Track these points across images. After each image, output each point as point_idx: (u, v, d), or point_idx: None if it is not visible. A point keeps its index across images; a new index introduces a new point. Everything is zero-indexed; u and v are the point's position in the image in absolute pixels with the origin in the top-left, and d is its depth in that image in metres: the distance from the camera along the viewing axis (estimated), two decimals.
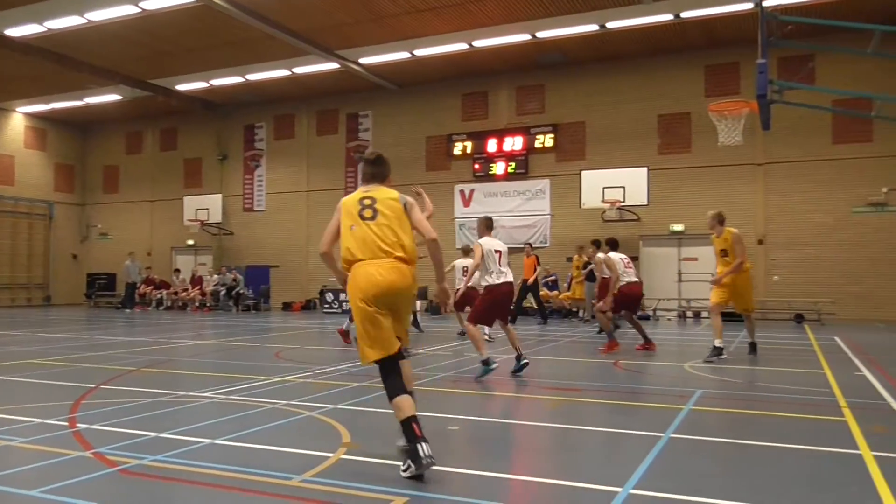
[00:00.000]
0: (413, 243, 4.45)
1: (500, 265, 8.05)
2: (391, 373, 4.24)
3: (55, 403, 6.31)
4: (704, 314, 19.49)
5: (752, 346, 10.19)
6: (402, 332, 4.48)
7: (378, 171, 4.66)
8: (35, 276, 27.98)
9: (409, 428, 3.98)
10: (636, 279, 10.89)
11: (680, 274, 20.20)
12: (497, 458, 4.69)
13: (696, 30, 18.31)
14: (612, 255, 10.72)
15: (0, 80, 23.05)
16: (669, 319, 19.25)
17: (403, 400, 4.13)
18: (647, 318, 19.18)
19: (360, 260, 4.31)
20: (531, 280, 17.06)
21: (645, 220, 20.16)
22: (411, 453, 3.93)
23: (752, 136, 17.94)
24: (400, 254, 4.32)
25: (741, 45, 18.82)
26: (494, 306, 8.12)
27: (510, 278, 8.16)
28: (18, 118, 27.42)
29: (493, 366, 7.86)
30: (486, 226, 8.42)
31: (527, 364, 8.13)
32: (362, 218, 4.38)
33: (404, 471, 3.98)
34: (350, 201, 4.49)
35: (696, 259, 19.99)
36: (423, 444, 3.91)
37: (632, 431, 5.34)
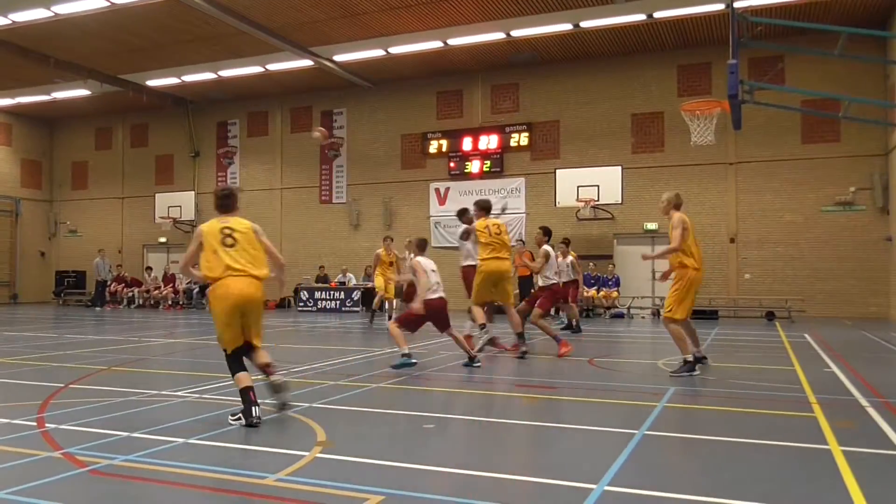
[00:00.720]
0: (264, 262, 5.70)
1: (432, 282, 8.55)
2: (237, 359, 5.62)
3: (23, 403, 6.19)
4: None
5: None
6: (257, 331, 5.84)
7: (230, 204, 5.93)
8: (1, 274, 27.41)
9: (247, 395, 5.30)
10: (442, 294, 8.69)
11: (654, 272, 20.37)
12: (472, 456, 4.69)
13: (669, 30, 18.51)
14: (421, 259, 8.72)
15: None
16: (643, 318, 19.43)
17: (242, 375, 5.47)
18: (621, 315, 19.37)
19: (221, 277, 5.45)
20: (527, 275, 17.09)
21: (619, 219, 20.34)
22: (245, 412, 5.26)
23: (724, 136, 18.20)
24: (253, 272, 5.56)
25: (713, 46, 19.10)
26: (424, 319, 8.58)
27: (443, 294, 8.65)
28: None
29: (413, 361, 8.39)
30: (420, 247, 8.90)
31: (479, 366, 8.63)
32: (224, 245, 5.56)
33: (233, 417, 5.33)
34: (212, 230, 5.65)
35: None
36: (255, 408, 5.26)
37: (606, 429, 5.38)
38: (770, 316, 18.41)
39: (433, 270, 8.66)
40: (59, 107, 26.64)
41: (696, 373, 7.80)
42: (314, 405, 6.09)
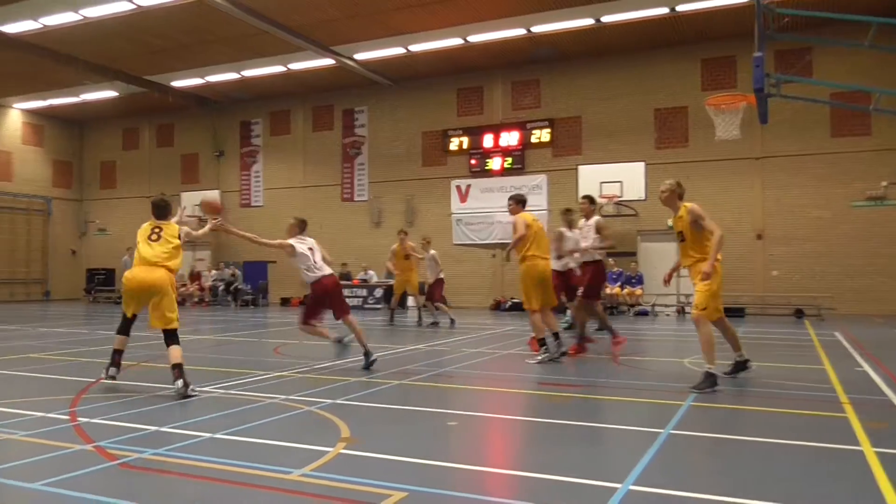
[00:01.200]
0: (178, 258, 6.98)
1: (315, 262, 8.30)
2: (126, 324, 7.07)
3: (56, 397, 6.31)
4: None
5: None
6: (162, 315, 6.74)
7: (164, 212, 7.20)
8: (34, 272, 27.96)
9: (179, 369, 6.45)
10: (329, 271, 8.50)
11: (678, 269, 20.16)
12: (495, 454, 4.69)
13: (692, 23, 18.30)
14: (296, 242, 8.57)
15: None
16: (668, 315, 19.26)
17: (172, 350, 6.57)
18: (645, 313, 19.23)
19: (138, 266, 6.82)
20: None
21: (643, 216, 20.16)
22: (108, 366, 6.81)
23: (750, 130, 17.94)
24: (166, 264, 6.80)
25: (738, 39, 18.85)
26: (321, 300, 8.28)
27: (329, 271, 8.35)
28: (16, 114, 27.35)
29: (347, 339, 8.35)
30: (300, 227, 8.86)
31: (375, 360, 8.16)
32: (150, 240, 6.96)
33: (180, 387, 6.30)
34: (145, 228, 7.12)
35: None
36: (113, 368, 6.78)
37: (631, 427, 5.35)
38: (799, 313, 18.15)
39: (309, 249, 8.48)
40: (87, 108, 27.08)
41: (719, 388, 6.63)
42: (337, 401, 6.13)
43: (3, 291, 26.82)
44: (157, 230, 7.03)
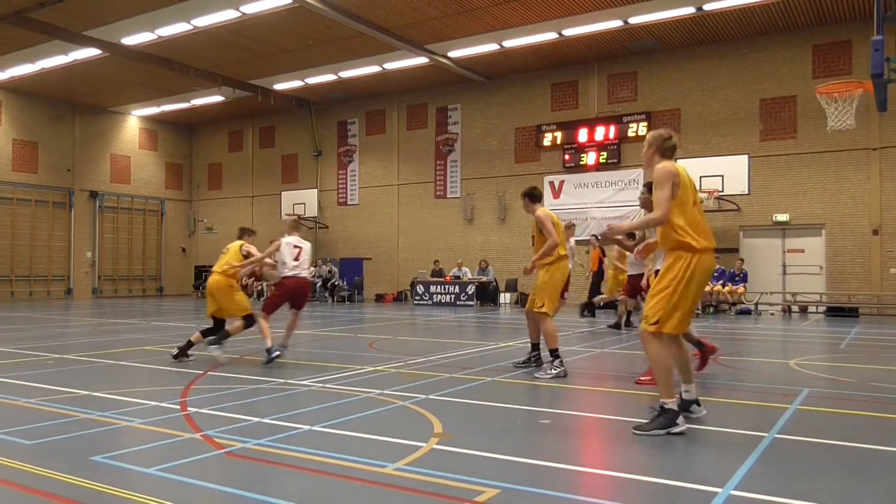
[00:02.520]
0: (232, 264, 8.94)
1: (295, 260, 8.71)
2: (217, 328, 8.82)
3: (168, 388, 6.72)
4: (812, 308, 18.52)
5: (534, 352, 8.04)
6: (228, 311, 8.87)
7: (243, 234, 9.54)
8: (149, 269, 29.87)
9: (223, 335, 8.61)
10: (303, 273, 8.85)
11: (784, 266, 19.24)
12: (589, 453, 4.63)
13: (803, 7, 17.29)
14: (286, 240, 8.85)
15: (117, 86, 24.66)
16: (773, 314, 18.39)
17: (234, 322, 8.62)
18: (748, 312, 18.43)
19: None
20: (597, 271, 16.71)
21: (746, 211, 19.31)
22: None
23: (867, 119, 16.88)
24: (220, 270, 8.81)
25: (853, 22, 17.74)
26: (285, 297, 8.74)
27: (303, 272, 8.80)
28: (133, 121, 29.25)
29: (275, 354, 8.24)
30: (294, 227, 9.32)
31: (278, 356, 8.26)
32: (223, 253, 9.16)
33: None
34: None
35: (802, 251, 18.98)
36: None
37: (732, 430, 5.14)
38: None
39: (295, 247, 8.84)
40: (197, 113, 28.61)
41: (681, 428, 4.90)
42: (430, 397, 6.21)
43: (122, 287, 28.79)
44: (225, 248, 9.45)
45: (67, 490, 3.61)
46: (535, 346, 8.09)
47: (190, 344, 8.62)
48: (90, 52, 20.35)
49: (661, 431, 4.87)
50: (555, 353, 7.51)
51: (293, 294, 8.77)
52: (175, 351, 8.66)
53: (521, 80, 22.95)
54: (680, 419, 4.90)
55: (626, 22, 17.97)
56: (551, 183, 22.41)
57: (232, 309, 8.73)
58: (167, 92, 25.43)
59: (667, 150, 5.19)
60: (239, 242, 9.16)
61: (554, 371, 7.42)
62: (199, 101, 26.45)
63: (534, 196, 7.87)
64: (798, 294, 18.66)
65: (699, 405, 5.31)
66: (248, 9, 17.17)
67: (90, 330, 13.93)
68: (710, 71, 20.03)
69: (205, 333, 8.73)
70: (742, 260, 18.92)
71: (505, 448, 4.46)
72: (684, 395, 5.20)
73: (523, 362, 8.13)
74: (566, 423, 5.49)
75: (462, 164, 24.26)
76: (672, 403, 4.91)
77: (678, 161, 5.23)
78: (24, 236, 25.49)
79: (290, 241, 8.84)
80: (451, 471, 3.94)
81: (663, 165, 4.96)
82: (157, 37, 19.16)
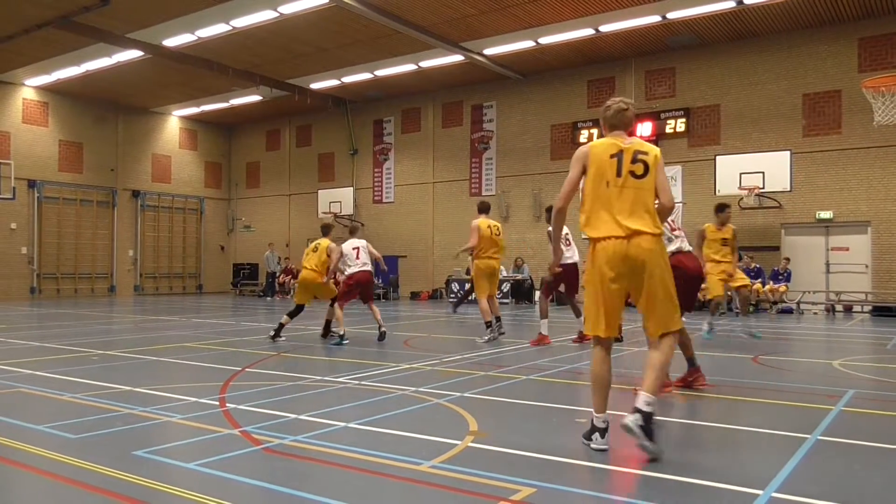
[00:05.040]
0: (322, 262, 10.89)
1: (357, 259, 10.81)
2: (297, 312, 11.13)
3: (207, 384, 6.83)
4: (857, 308, 18.05)
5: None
6: (324, 296, 11.09)
7: (326, 232, 11.48)
8: (189, 267, 30.42)
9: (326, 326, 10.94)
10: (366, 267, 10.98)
11: (828, 265, 18.77)
12: (627, 453, 4.57)
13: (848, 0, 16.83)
14: (347, 243, 11.08)
15: (159, 87, 25.17)
16: (816, 313, 17.96)
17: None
18: (790, 311, 18.04)
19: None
20: None
21: (788, 208, 18.88)
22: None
23: None
24: (313, 267, 10.97)
25: None
26: (355, 287, 10.80)
27: (366, 267, 10.89)
28: (174, 121, 29.82)
29: (346, 341, 10.33)
30: (351, 231, 11.54)
31: (346, 342, 10.31)
32: (313, 251, 11.08)
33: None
34: (313, 244, 11.11)
35: (847, 249, 18.49)
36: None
37: (774, 431, 5.03)
38: None
39: (354, 248, 11.00)
40: (235, 112, 29.03)
41: (595, 445, 4.36)
42: (465, 395, 6.21)
43: (163, 285, 29.39)
44: (316, 244, 11.18)
45: (110, 483, 3.70)
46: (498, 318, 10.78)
47: (281, 326, 10.70)
48: (133, 54, 20.80)
49: (586, 441, 4.44)
50: (487, 324, 10.48)
51: (360, 285, 10.78)
52: (271, 332, 10.71)
53: (556, 76, 22.78)
54: (595, 436, 4.34)
55: (664, 17, 17.71)
56: None
57: (326, 295, 11.10)
58: (206, 92, 25.86)
59: (609, 120, 4.63)
60: (326, 242, 11.12)
61: (487, 337, 10.42)
62: (237, 101, 26.84)
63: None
64: (842, 293, 18.20)
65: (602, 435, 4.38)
66: (286, 9, 17.35)
67: (132, 327, 14.26)
68: (751, 66, 19.62)
69: (291, 315, 10.93)
70: (787, 259, 18.51)
71: (540, 446, 4.44)
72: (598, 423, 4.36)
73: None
74: None
75: (497, 162, 24.19)
76: (597, 419, 4.36)
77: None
78: (69, 235, 26.18)
79: (349, 244, 10.95)
80: (486, 469, 3.94)
81: (579, 148, 4.58)
82: (196, 38, 19.49)
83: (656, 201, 4.41)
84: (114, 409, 5.55)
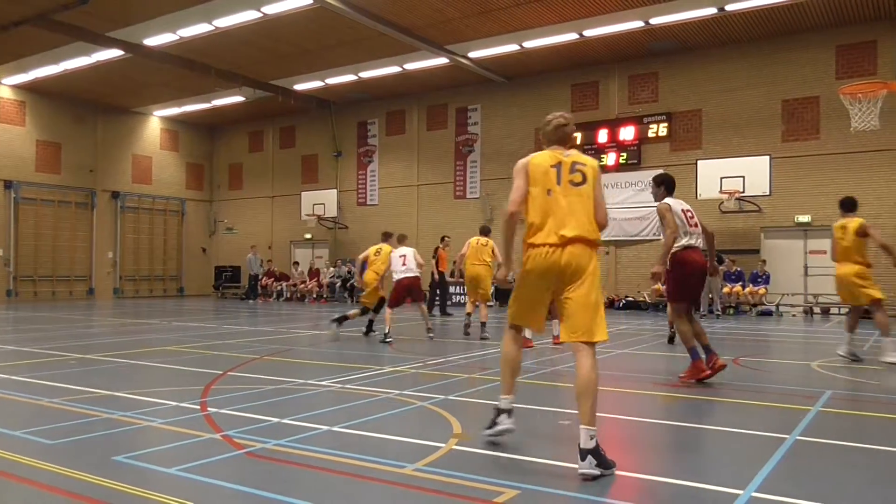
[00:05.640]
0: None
1: (403, 265, 11.60)
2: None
3: (188, 388, 6.78)
4: (834, 310, 18.29)
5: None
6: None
7: (386, 238, 12.60)
8: (170, 269, 30.14)
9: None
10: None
11: (806, 268, 19.01)
12: (609, 455, 4.60)
13: (826, 7, 17.06)
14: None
15: (139, 87, 24.93)
16: (794, 315, 18.18)
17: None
18: (769, 313, 18.24)
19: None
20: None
21: (767, 212, 19.10)
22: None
23: (891, 120, 16.60)
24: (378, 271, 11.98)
25: (878, 22, 17.50)
26: (402, 292, 11.60)
27: (411, 273, 11.56)
28: (155, 121, 29.56)
29: (390, 339, 10.98)
30: (399, 241, 12.22)
31: (391, 341, 10.95)
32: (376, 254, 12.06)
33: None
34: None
35: (824, 252, 18.69)
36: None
37: (753, 432, 5.09)
38: None
39: (401, 256, 11.71)
40: (218, 113, 28.83)
41: (498, 428, 4.55)
42: (449, 398, 6.22)
43: (144, 287, 29.09)
44: (378, 249, 12.24)
45: (89, 490, 3.66)
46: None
47: (371, 322, 12.26)
48: (113, 54, 20.59)
49: (489, 431, 4.56)
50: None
51: (407, 289, 11.59)
52: (364, 330, 12.12)
53: (541, 80, 22.88)
54: (501, 418, 4.51)
55: (647, 22, 17.85)
56: None
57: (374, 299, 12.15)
58: (189, 92, 25.66)
59: (548, 135, 4.80)
60: (388, 248, 12.11)
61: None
62: (220, 102, 26.65)
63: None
64: (820, 296, 18.44)
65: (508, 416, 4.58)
66: (270, 9, 17.27)
67: (112, 330, 14.11)
68: (732, 72, 19.83)
69: (376, 310, 12.17)
70: (764, 261, 18.74)
71: (524, 449, 4.46)
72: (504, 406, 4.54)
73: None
74: None
75: (482, 165, 24.24)
76: (502, 401, 4.56)
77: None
78: (47, 237, 25.83)
79: (396, 252, 11.83)
80: (470, 471, 3.95)
81: (520, 160, 4.68)
82: (178, 38, 19.33)
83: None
84: (92, 414, 5.49)
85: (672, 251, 7.17)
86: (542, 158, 4.57)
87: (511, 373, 4.58)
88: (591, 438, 3.94)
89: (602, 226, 4.46)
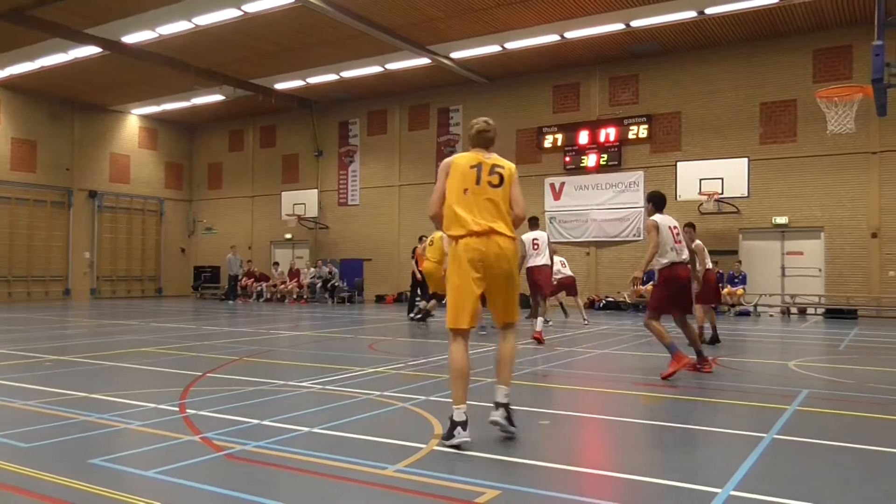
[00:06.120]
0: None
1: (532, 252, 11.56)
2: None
3: (167, 389, 6.70)
4: (810, 310, 18.54)
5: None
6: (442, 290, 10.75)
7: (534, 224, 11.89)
8: (148, 269, 29.80)
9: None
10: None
11: (783, 269, 19.25)
12: (589, 454, 4.62)
13: (804, 12, 17.31)
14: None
15: (117, 85, 24.63)
16: (772, 315, 18.41)
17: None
18: (747, 313, 18.44)
19: None
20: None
21: (745, 213, 19.32)
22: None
23: (866, 123, 16.91)
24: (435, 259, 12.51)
25: (855, 27, 17.78)
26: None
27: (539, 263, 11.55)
28: (133, 120, 29.22)
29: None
30: (531, 225, 11.98)
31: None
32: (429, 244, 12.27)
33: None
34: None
35: (801, 253, 19.00)
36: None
37: (732, 431, 5.15)
38: None
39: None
40: (197, 112, 28.58)
41: (455, 441, 4.46)
42: (430, 398, 6.21)
43: (121, 288, 28.74)
44: (537, 242, 11.63)
45: (65, 493, 3.60)
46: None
47: (427, 312, 13.09)
48: (90, 51, 20.33)
49: (447, 442, 4.49)
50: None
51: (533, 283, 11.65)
52: (417, 315, 13.04)
53: (522, 81, 22.95)
54: (457, 430, 4.46)
55: (628, 25, 17.98)
56: (552, 185, 22.42)
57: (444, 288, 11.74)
58: (168, 91, 25.39)
59: (472, 139, 5.20)
60: (439, 234, 11.80)
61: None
62: (199, 101, 26.42)
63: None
64: (797, 296, 18.68)
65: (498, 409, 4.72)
66: (250, 7, 17.15)
67: (88, 331, 13.93)
68: (711, 74, 20.04)
69: (429, 299, 13.00)
70: (740, 262, 18.95)
71: (505, 449, 4.46)
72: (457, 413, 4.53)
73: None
74: (566, 424, 5.49)
75: None
76: (456, 412, 4.51)
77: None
78: (21, 236, 25.44)
79: (530, 236, 11.68)
80: (452, 472, 3.94)
81: (444, 160, 5.12)
82: (158, 35, 19.14)
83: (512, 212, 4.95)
84: (69, 417, 5.41)
85: (659, 268, 7.76)
86: (465, 159, 4.97)
87: (464, 383, 4.66)
88: (506, 396, 4.70)
89: (520, 219, 4.97)
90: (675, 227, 7.90)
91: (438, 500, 3.52)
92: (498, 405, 4.63)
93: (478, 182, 4.83)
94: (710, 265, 10.66)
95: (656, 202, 8.14)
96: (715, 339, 10.64)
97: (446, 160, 5.03)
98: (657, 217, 7.91)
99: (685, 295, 7.88)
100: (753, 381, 7.59)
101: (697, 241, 10.30)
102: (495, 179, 4.88)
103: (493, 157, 5.02)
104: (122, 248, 28.73)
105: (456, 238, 4.76)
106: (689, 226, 10.41)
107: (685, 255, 7.87)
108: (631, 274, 8.62)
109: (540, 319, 11.18)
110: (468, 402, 4.60)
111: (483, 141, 5.13)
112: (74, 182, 27.09)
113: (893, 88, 9.37)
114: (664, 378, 7.37)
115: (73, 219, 27.03)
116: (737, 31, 18.72)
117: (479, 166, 4.90)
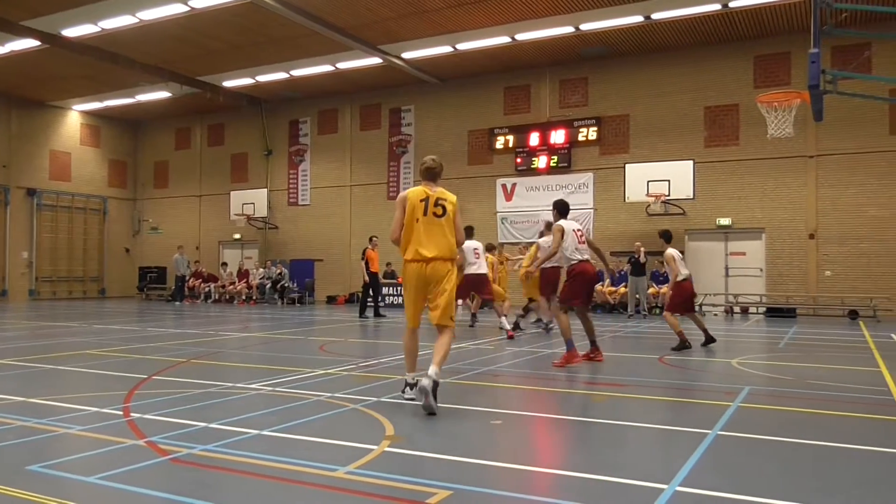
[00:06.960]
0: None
1: (476, 258, 12.40)
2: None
3: (110, 393, 6.51)
4: (752, 309, 19.11)
5: None
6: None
7: (469, 236, 11.91)
8: (90, 270, 28.88)
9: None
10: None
11: (727, 269, 19.81)
12: (540, 453, 4.67)
13: (746, 19, 17.86)
14: (671, 250, 10.94)
15: (57, 80, 23.81)
16: (716, 314, 18.91)
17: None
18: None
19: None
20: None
21: (691, 214, 19.81)
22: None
23: (804, 128, 17.49)
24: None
25: (793, 34, 18.39)
26: (467, 287, 12.29)
27: (482, 270, 12.55)
28: (74, 116, 28.29)
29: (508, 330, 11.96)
30: (469, 234, 12.02)
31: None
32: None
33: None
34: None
35: (744, 254, 19.57)
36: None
37: (677, 428, 5.27)
38: (853, 315, 17.60)
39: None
40: (142, 109, 27.85)
41: (409, 395, 6.06)
42: (382, 399, 6.19)
43: (62, 289, 27.79)
44: (478, 252, 12.63)
45: (1, 501, 3.47)
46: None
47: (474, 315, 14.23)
48: (28, 44, 19.61)
49: (406, 397, 6.10)
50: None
51: (471, 286, 12.37)
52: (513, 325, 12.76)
53: (474, 82, 23.06)
54: (407, 389, 6.13)
55: (577, 28, 18.26)
56: (504, 186, 22.59)
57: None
58: (111, 86, 24.67)
59: (422, 173, 6.22)
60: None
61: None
62: (144, 97, 25.76)
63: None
64: (739, 295, 19.24)
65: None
66: (197, 3, 16.82)
67: (27, 333, 13.43)
68: (658, 78, 20.49)
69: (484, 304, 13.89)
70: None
71: (456, 449, 4.48)
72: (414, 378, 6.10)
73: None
74: (517, 424, 5.53)
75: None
76: (408, 376, 6.20)
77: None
78: None
79: (468, 245, 11.99)
80: (403, 473, 3.94)
81: (400, 194, 6.15)
82: (100, 29, 18.59)
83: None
84: (4, 422, 5.21)
85: (570, 265, 8.85)
86: (415, 193, 5.98)
87: (413, 358, 6.17)
88: (436, 374, 5.56)
89: (460, 243, 6.17)
90: (578, 231, 8.88)
91: (390, 502, 3.51)
92: (427, 377, 5.53)
93: (425, 213, 5.88)
94: (684, 274, 10.63)
95: (560, 209, 9.10)
96: (710, 339, 10.77)
97: (402, 194, 6.04)
98: (563, 222, 8.86)
99: (591, 289, 9.07)
100: (698, 379, 7.80)
101: (669, 251, 10.71)
102: (439, 211, 5.93)
103: (439, 191, 6.02)
104: (63, 247, 27.79)
105: (406, 261, 5.92)
106: (664, 237, 11.42)
107: (588, 255, 8.88)
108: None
109: (504, 318, 12.47)
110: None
111: (430, 175, 6.13)
112: (11, 180, 26.08)
113: (829, 95, 9.73)
114: (556, 367, 8.35)
115: (10, 217, 26.03)
116: (682, 37, 19.20)
117: (426, 199, 5.92)
